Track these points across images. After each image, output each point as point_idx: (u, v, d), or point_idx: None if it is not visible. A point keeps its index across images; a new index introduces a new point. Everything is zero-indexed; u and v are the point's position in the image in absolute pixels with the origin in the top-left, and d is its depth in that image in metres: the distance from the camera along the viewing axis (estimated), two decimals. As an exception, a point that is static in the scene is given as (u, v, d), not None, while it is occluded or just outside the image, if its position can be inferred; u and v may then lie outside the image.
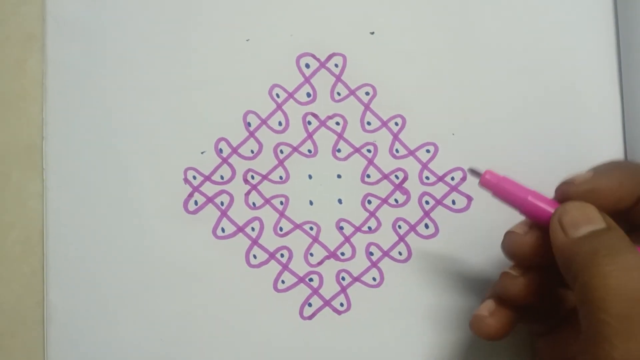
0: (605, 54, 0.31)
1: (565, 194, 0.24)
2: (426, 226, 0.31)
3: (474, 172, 0.25)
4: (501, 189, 0.25)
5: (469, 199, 0.31)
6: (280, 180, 0.31)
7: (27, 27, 0.33)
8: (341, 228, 0.31)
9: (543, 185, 0.24)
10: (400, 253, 0.31)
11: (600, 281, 0.20)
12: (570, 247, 0.22)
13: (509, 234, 0.25)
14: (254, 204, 0.31)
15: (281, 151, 0.31)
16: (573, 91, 0.31)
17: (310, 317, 0.31)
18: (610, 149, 0.31)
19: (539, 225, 0.24)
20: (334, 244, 0.31)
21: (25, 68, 0.33)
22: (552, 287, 0.26)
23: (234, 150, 0.31)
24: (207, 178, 0.31)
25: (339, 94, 0.31)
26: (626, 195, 0.24)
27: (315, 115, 0.31)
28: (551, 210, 0.24)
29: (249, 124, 0.31)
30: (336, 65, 0.31)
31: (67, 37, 0.32)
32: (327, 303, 0.31)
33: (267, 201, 0.31)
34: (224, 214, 0.31)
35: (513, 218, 0.25)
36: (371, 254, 0.31)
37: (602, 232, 0.22)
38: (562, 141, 0.31)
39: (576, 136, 0.31)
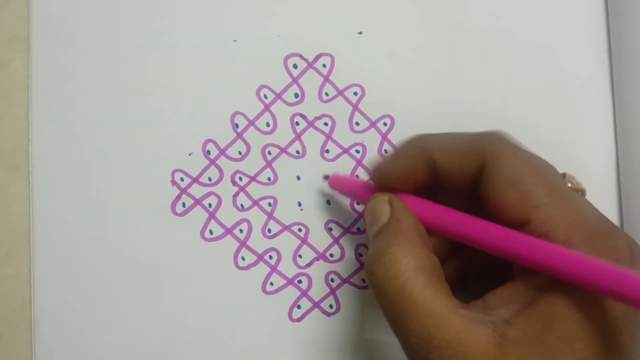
0: (596, 52, 0.31)
1: (372, 179, 0.27)
2: (415, 227, 0.31)
3: (325, 177, 0.31)
4: (342, 188, 0.29)
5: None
6: (268, 181, 0.31)
7: (12, 28, 0.32)
8: (330, 229, 0.31)
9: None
10: (389, 254, 0.31)
11: (370, 281, 0.23)
12: (370, 242, 0.25)
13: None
14: (242, 205, 0.31)
15: (269, 152, 0.31)
16: (564, 89, 0.31)
17: (300, 319, 0.31)
18: (602, 146, 0.31)
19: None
20: (323, 245, 0.31)
21: (10, 69, 0.32)
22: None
23: (222, 152, 0.31)
24: (195, 180, 0.31)
25: (327, 94, 0.31)
26: (415, 176, 0.25)
27: (303, 116, 0.31)
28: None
29: (237, 125, 0.31)
30: (324, 66, 0.31)
31: (52, 37, 0.32)
32: (316, 305, 0.31)
33: (256, 203, 0.31)
34: (212, 215, 0.31)
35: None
36: (360, 255, 0.31)
37: (380, 230, 0.24)
38: (553, 140, 0.31)
39: (567, 134, 0.31)
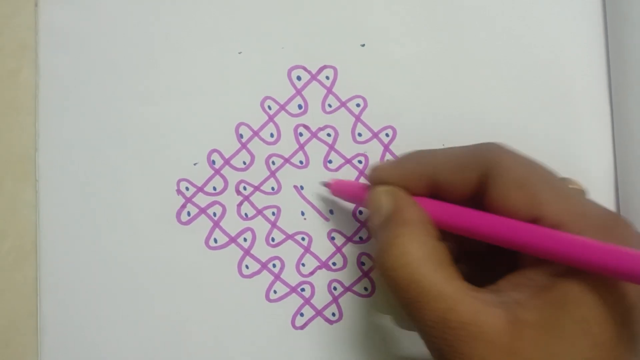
0: (594, 59, 0.32)
1: (370, 178, 0.27)
2: (416, 236, 0.31)
3: (324, 184, 0.31)
4: (345, 194, 0.30)
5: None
6: (272, 191, 0.32)
7: (20, 37, 0.33)
8: (332, 238, 0.31)
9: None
10: (390, 263, 0.31)
11: (381, 272, 0.24)
12: (375, 233, 0.25)
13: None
14: (246, 214, 0.32)
15: (273, 162, 0.32)
16: (563, 98, 0.31)
17: (302, 327, 0.31)
18: (600, 153, 0.31)
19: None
20: (325, 254, 0.31)
21: (18, 79, 0.33)
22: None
23: (227, 162, 0.32)
24: (200, 189, 0.32)
25: (330, 105, 0.32)
26: (413, 190, 0.25)
27: (306, 127, 0.32)
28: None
29: (241, 136, 0.32)
30: (327, 78, 0.32)
31: (60, 47, 0.32)
32: (319, 313, 0.31)
33: (259, 212, 0.32)
34: (216, 224, 0.32)
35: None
36: (362, 263, 0.31)
37: (385, 222, 0.25)
38: (552, 149, 0.31)
39: (566, 143, 0.31)
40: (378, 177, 0.27)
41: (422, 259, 0.22)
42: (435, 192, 0.25)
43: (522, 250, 0.22)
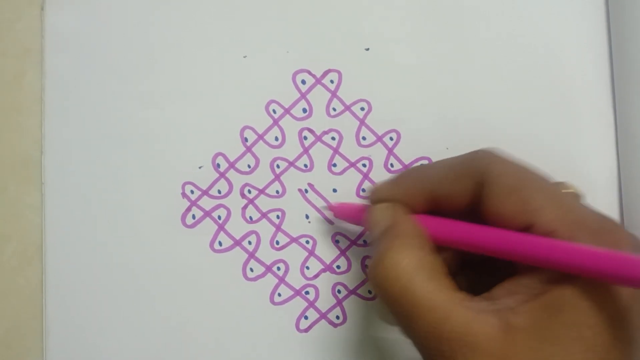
0: (597, 61, 0.32)
1: (370, 200, 0.27)
2: (420, 239, 0.31)
3: (326, 208, 0.32)
4: (346, 216, 0.30)
5: (462, 212, 0.31)
6: (276, 194, 0.32)
7: (25, 41, 0.33)
8: (337, 241, 0.32)
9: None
10: (394, 266, 0.31)
11: (373, 284, 0.24)
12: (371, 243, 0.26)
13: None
14: (250, 217, 0.32)
15: (277, 166, 0.32)
16: (565, 100, 0.31)
17: (307, 330, 0.31)
18: (603, 156, 0.31)
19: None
20: (329, 257, 0.32)
21: (24, 82, 0.33)
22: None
23: (231, 165, 0.32)
24: (205, 192, 0.32)
25: (334, 109, 0.32)
26: (413, 205, 0.26)
27: (311, 131, 0.32)
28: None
29: (246, 139, 0.32)
30: (332, 81, 0.32)
31: (65, 50, 0.33)
32: (323, 316, 0.31)
33: (264, 215, 0.32)
34: (221, 227, 0.32)
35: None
36: (366, 266, 0.31)
37: (380, 235, 0.25)
38: (555, 150, 0.31)
39: (569, 145, 0.31)
40: (378, 198, 0.27)
41: (414, 270, 0.22)
42: (435, 205, 0.25)
43: (514, 259, 0.22)
